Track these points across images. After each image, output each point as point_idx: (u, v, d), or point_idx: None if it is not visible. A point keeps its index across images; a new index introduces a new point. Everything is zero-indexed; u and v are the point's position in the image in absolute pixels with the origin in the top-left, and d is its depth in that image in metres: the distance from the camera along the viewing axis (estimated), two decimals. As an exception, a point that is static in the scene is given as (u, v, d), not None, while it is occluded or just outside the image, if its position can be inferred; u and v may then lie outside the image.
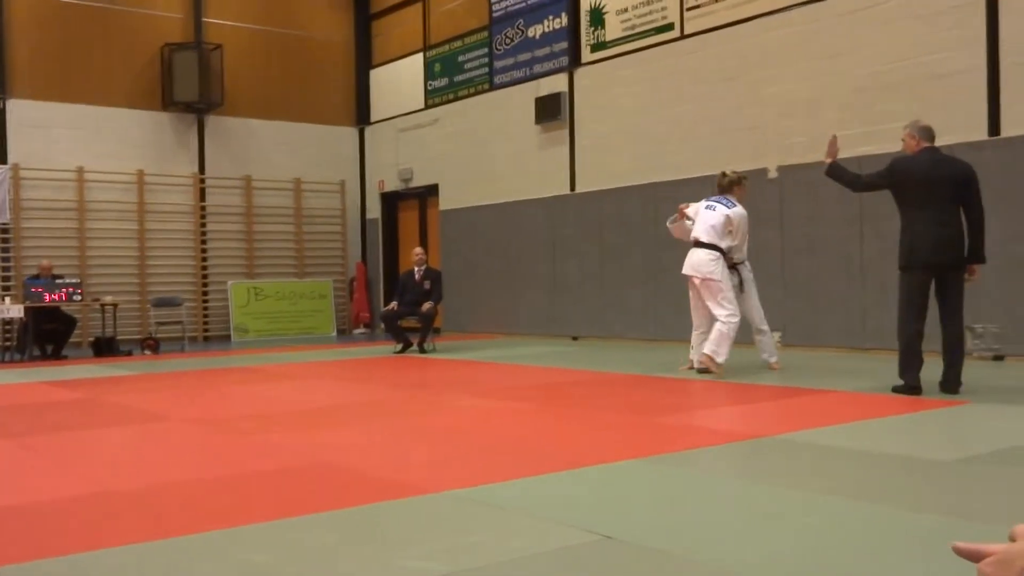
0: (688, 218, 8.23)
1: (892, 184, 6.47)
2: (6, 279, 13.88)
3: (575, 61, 13.22)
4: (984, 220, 6.32)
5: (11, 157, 13.94)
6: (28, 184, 14.05)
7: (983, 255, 6.33)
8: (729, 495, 3.86)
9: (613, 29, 12.66)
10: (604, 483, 4.09)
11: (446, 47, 15.49)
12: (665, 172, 11.83)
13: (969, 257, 6.30)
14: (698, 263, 7.94)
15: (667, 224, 8.69)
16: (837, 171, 6.80)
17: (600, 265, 12.70)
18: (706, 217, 8.02)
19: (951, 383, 6.26)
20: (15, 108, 14.02)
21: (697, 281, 7.95)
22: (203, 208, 15.60)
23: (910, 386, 6.26)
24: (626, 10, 12.47)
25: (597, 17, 12.91)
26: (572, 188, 13.22)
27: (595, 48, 12.95)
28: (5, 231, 13.93)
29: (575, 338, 12.99)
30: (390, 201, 17.07)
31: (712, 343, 7.74)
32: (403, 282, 12.10)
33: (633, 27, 12.38)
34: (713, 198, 8.17)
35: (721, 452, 4.75)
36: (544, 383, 8.00)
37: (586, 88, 13.10)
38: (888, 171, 6.49)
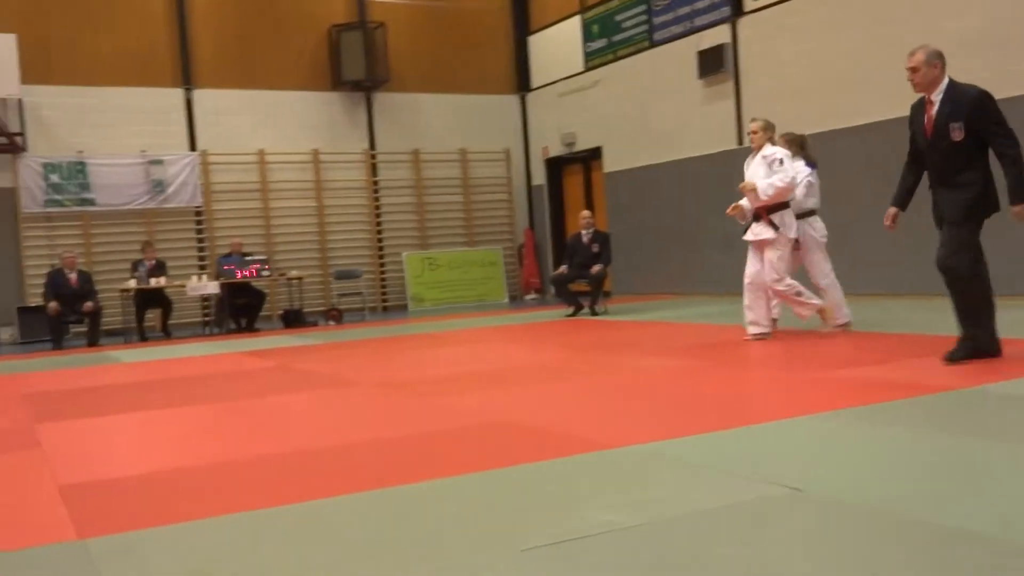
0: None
1: None
2: (202, 259, 14.84)
3: (737, 11, 12.81)
4: None
5: (200, 144, 14.84)
6: (216, 169, 14.93)
7: None
8: (925, 448, 3.70)
9: (778, -27, 12.17)
10: (788, 438, 4.00)
11: (603, 7, 15.32)
12: (837, 120, 11.33)
13: None
14: None
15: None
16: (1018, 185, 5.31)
17: (772, 220, 12.31)
18: None
19: None
20: (200, 98, 14.90)
21: None
22: (375, 183, 16.14)
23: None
24: (791, -48, 11.95)
25: (760, -38, 12.44)
26: (740, 142, 12.87)
27: (759, -5, 12.50)
28: (199, 214, 14.87)
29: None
30: (555, 166, 17.13)
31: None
32: (572, 246, 12.14)
33: (799, -30, 11.86)
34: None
35: (912, 405, 4.54)
36: (719, 341, 7.87)
37: (750, 38, 12.68)
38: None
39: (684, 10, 13.66)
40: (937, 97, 5.52)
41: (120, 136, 14.22)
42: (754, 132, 7.66)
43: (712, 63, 13.08)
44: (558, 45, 16.50)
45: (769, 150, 7.54)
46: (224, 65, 15.06)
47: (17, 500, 3.73)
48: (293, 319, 13.19)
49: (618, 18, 15.00)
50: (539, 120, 17.10)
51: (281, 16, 15.46)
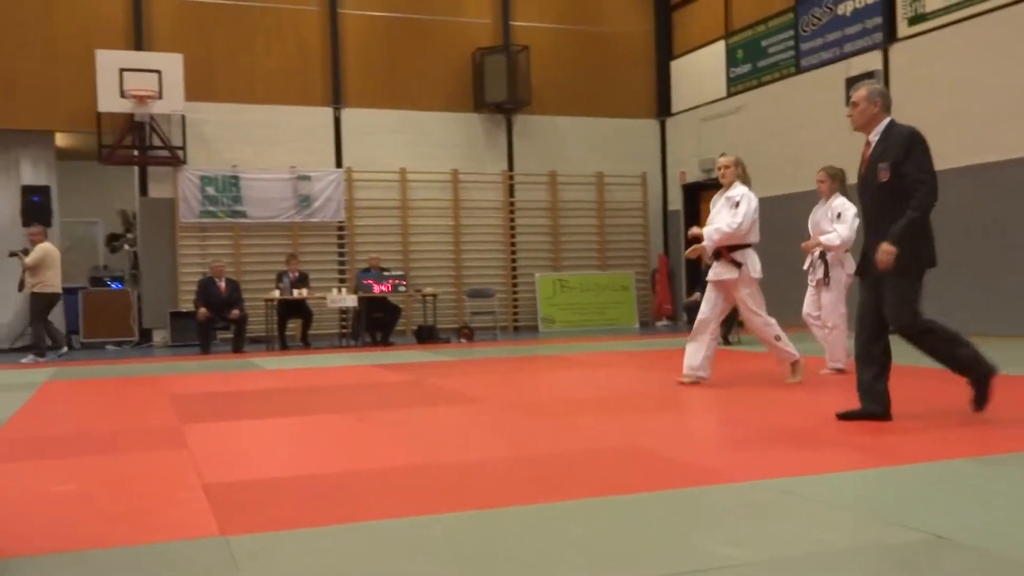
0: None
1: None
2: (342, 272, 15.33)
3: (890, 37, 12.41)
4: None
5: (345, 161, 15.38)
6: (359, 185, 15.43)
7: None
8: (1080, 502, 3.48)
9: (935, -1, 11.74)
10: (929, 481, 3.82)
11: (749, 32, 15.12)
12: (994, 152, 10.82)
13: None
14: None
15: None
16: (912, 229, 5.00)
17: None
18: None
19: None
20: (348, 116, 15.45)
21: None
22: (512, 204, 16.33)
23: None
24: (950, -23, 11.52)
25: (916, -12, 12.03)
26: (887, 172, 12.43)
27: (913, 21, 12.08)
28: (341, 229, 15.38)
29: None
30: (692, 192, 16.93)
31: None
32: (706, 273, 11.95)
33: (958, -5, 11.41)
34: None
35: (1068, 456, 4.28)
36: (849, 375, 7.58)
37: (903, 65, 12.25)
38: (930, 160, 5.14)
39: (834, 35, 13.33)
40: (874, 138, 5.27)
41: (272, 152, 14.89)
42: (725, 167, 7.17)
43: (861, 90, 12.69)
44: (701, 70, 16.35)
45: (735, 190, 7.10)
46: (372, 85, 15.57)
47: (166, 495, 3.94)
48: (426, 335, 13.46)
49: (764, 43, 14.77)
50: (678, 145, 16.96)
51: (428, 39, 15.88)
